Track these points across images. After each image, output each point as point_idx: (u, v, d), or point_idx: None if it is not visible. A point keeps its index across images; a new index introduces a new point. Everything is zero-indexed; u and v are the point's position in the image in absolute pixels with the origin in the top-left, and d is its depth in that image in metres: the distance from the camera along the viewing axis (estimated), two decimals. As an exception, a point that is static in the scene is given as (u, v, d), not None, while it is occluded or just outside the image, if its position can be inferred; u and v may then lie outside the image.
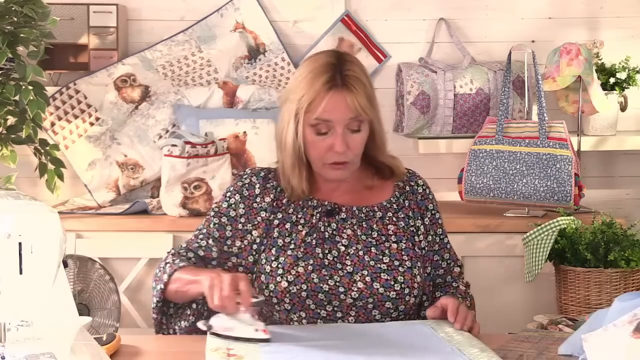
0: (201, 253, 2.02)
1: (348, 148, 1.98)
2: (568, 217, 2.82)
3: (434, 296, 2.06)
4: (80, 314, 1.62)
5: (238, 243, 2.03)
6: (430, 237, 2.09)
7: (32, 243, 1.40)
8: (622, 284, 2.68)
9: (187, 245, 2.05)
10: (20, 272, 1.40)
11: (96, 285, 2.29)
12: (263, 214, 2.04)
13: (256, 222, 2.03)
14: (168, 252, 2.04)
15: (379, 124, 2.05)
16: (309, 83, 1.97)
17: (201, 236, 2.05)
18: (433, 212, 2.12)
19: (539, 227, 2.80)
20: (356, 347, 1.70)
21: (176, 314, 1.98)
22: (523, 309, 2.94)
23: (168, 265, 1.95)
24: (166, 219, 3.15)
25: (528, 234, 2.82)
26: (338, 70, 1.97)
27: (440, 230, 2.12)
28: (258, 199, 2.05)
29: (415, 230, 2.06)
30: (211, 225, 2.05)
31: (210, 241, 2.03)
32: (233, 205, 2.05)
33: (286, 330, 1.84)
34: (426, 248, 2.07)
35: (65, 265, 1.58)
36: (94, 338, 1.65)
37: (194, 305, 1.97)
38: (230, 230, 2.04)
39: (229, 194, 2.07)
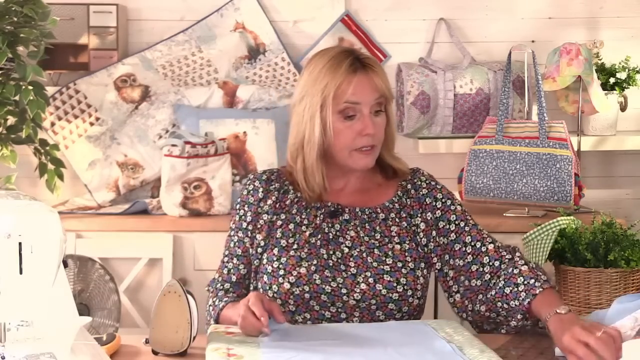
0: (233, 278, 2.07)
1: (375, 131, 2.00)
2: (568, 217, 2.81)
3: (504, 293, 1.91)
4: (80, 314, 1.62)
5: (251, 251, 2.05)
6: (435, 230, 2.02)
7: (32, 243, 1.40)
8: (622, 284, 2.68)
9: (220, 275, 2.08)
10: (20, 272, 1.40)
11: (96, 285, 2.28)
12: (265, 216, 2.05)
13: (259, 226, 2.04)
14: (207, 289, 2.09)
15: (392, 112, 2.08)
16: (331, 71, 1.98)
17: (226, 259, 2.09)
18: (443, 200, 2.05)
19: (539, 227, 2.79)
20: (356, 347, 1.70)
21: None
22: (523, 309, 2.94)
23: (211, 307, 2.02)
24: (166, 219, 3.15)
25: (528, 234, 2.81)
26: (355, 55, 2.02)
27: (455, 216, 2.03)
28: (262, 203, 2.06)
29: (416, 230, 2.04)
30: (232, 245, 2.08)
31: (235, 261, 2.07)
32: (243, 217, 2.07)
33: (285, 330, 1.84)
34: (432, 244, 2.02)
35: (65, 265, 1.58)
36: (94, 338, 1.65)
37: None
38: (247, 242, 2.06)
39: (237, 206, 2.09)
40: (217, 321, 1.97)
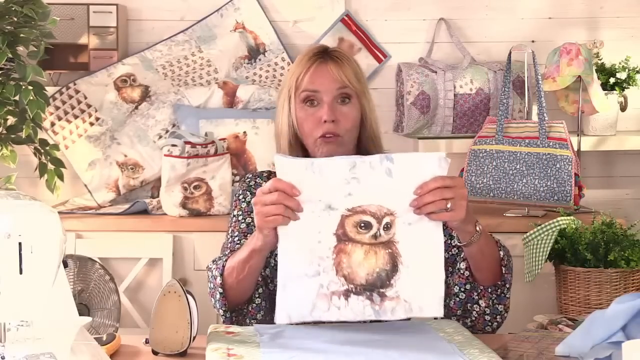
0: None
1: (337, 120, 2.00)
2: (568, 217, 2.82)
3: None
4: (80, 314, 1.62)
5: None
6: None
7: (32, 243, 1.40)
8: (622, 284, 2.68)
9: (227, 251, 2.02)
10: (20, 272, 1.40)
11: (96, 285, 2.28)
12: None
13: None
14: (208, 267, 2.00)
15: (368, 104, 2.06)
16: (297, 64, 2.06)
17: (237, 239, 2.04)
18: None
19: (539, 227, 2.79)
20: (356, 347, 1.70)
21: (248, 309, 1.96)
22: (523, 309, 2.93)
23: (214, 269, 1.94)
24: (166, 219, 3.16)
25: (528, 234, 2.82)
26: (324, 49, 2.08)
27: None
28: None
29: None
30: (243, 226, 2.05)
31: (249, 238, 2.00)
32: (251, 203, 2.05)
33: (285, 330, 1.84)
34: None
35: (65, 265, 1.58)
36: (94, 338, 1.65)
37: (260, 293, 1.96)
38: None
39: (241, 196, 2.09)
40: (222, 276, 1.89)
